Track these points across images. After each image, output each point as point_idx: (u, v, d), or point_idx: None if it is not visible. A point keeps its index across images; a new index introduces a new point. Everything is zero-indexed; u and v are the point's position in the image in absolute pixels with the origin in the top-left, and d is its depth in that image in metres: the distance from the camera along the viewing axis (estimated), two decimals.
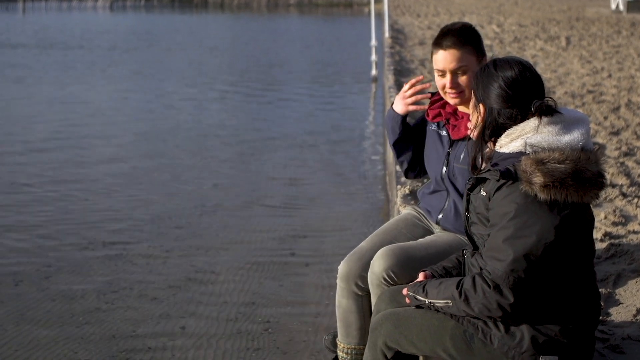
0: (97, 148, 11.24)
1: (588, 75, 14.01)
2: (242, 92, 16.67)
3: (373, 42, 18.07)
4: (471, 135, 3.29)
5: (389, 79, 13.60)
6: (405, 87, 4.16)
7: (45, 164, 10.26)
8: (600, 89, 12.40)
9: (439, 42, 3.89)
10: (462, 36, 3.86)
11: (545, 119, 3.03)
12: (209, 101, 15.40)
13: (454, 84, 3.86)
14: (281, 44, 27.36)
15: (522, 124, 3.06)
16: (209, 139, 11.92)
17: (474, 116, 3.23)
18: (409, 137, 4.26)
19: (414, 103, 4.13)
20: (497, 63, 3.16)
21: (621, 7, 31.83)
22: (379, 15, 23.61)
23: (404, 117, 4.20)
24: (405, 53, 18.06)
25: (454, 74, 3.85)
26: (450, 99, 3.93)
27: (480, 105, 3.16)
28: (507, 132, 3.09)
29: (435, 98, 4.16)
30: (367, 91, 17.20)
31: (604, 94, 11.90)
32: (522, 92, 3.08)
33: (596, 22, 26.47)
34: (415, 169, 4.34)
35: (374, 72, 17.99)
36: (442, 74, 3.89)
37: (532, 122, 3.04)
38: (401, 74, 14.36)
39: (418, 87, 4.11)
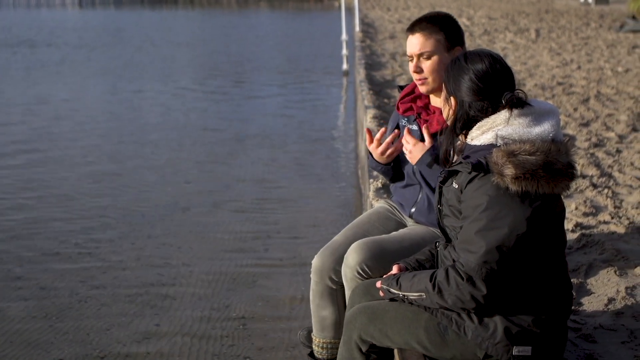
0: (65, 149, 11.09)
1: (558, 67, 14.10)
2: (211, 89, 16.59)
3: (344, 36, 18.09)
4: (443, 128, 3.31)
5: (360, 73, 13.61)
6: (372, 146, 4.11)
7: (13, 166, 10.16)
8: (569, 80, 12.49)
9: (409, 28, 3.97)
10: (431, 22, 3.91)
11: (515, 111, 3.05)
12: (178, 99, 15.31)
13: (417, 68, 3.91)
14: (251, 40, 27.30)
15: (492, 117, 3.08)
16: (179, 138, 11.85)
17: (445, 109, 3.25)
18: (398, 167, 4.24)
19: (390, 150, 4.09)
20: (467, 56, 3.17)
21: None
22: (350, 10, 23.65)
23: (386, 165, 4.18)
24: (376, 47, 18.09)
25: (418, 58, 3.90)
26: (419, 85, 3.97)
27: (452, 98, 3.18)
28: (478, 124, 3.11)
29: (406, 91, 4.17)
30: (338, 85, 17.21)
31: (574, 85, 11.98)
32: (492, 84, 3.09)
33: (565, 15, 26.64)
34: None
35: (345, 66, 18.01)
36: (411, 58, 3.95)
37: (503, 114, 3.06)
38: (372, 67, 14.38)
39: (388, 141, 4.07)
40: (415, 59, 3.92)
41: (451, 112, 3.19)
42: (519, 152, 2.95)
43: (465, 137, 3.18)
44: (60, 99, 15.34)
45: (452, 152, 3.24)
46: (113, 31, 30.77)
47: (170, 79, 17.89)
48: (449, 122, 3.23)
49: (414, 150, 3.93)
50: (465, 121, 3.14)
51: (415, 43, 3.91)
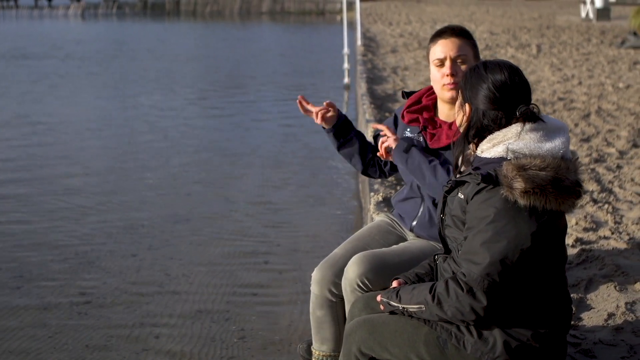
0: (65, 160, 11.10)
1: (559, 82, 14.13)
2: (211, 103, 16.60)
3: (345, 50, 18.11)
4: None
5: (362, 87, 13.64)
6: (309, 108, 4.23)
7: (12, 178, 10.16)
8: (570, 96, 12.51)
9: (439, 34, 3.95)
10: (463, 30, 3.94)
11: (527, 126, 3.06)
12: (178, 112, 15.31)
13: (454, 71, 3.85)
14: (253, 53, 27.34)
15: (504, 130, 3.08)
16: (178, 152, 11.86)
17: (459, 115, 3.25)
18: (350, 141, 4.28)
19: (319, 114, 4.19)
20: (487, 65, 3.17)
21: (591, 15, 32.14)
22: (351, 24, 23.69)
23: (332, 128, 4.23)
24: (378, 61, 18.13)
25: (454, 61, 3.87)
26: (446, 90, 3.90)
27: (467, 104, 3.18)
28: (489, 137, 3.11)
29: (412, 100, 4.14)
30: (339, 99, 17.22)
31: (575, 101, 12.00)
32: (509, 96, 3.10)
33: (566, 30, 26.70)
34: (374, 167, 4.34)
35: (346, 80, 18.03)
36: (441, 63, 3.89)
37: (515, 128, 3.07)
38: (373, 81, 14.41)
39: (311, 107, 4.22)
40: (449, 62, 3.87)
41: (465, 119, 3.19)
42: (530, 166, 2.95)
43: (475, 149, 3.19)
44: (59, 112, 15.34)
45: (461, 160, 3.24)
46: (114, 44, 30.83)
47: (171, 92, 17.89)
48: (461, 130, 3.23)
49: (389, 139, 3.99)
50: (478, 129, 3.14)
51: (452, 46, 3.87)
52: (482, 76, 3.14)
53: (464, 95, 3.20)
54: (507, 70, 3.14)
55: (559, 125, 3.14)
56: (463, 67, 3.86)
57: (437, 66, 3.91)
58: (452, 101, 3.90)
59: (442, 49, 3.89)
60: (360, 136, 4.31)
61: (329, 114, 4.19)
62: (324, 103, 4.19)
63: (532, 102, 3.15)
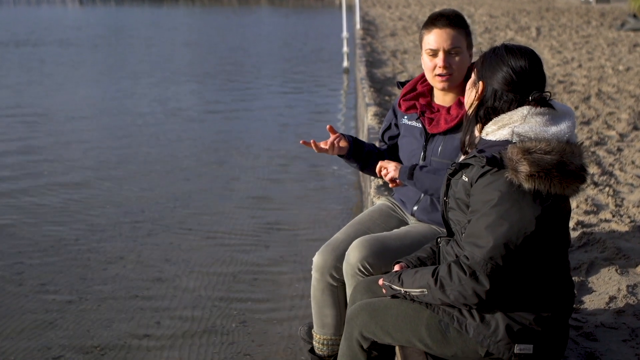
0: (64, 151, 11.08)
1: (559, 65, 14.10)
2: (210, 88, 16.60)
3: (344, 34, 18.08)
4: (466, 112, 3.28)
5: (361, 71, 13.61)
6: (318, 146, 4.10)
7: (10, 163, 10.16)
8: (570, 79, 12.48)
9: (433, 22, 3.87)
10: (457, 19, 3.86)
11: (533, 110, 3.04)
12: (178, 101, 15.29)
13: (447, 63, 3.83)
14: (252, 38, 27.28)
15: (510, 113, 3.07)
16: (178, 138, 11.85)
17: (470, 93, 3.22)
18: (368, 158, 4.22)
19: (332, 146, 4.08)
20: (509, 48, 3.14)
21: None
22: (350, 7, 23.63)
23: (348, 154, 4.16)
24: (377, 44, 18.08)
25: (448, 53, 3.84)
26: (439, 81, 3.89)
27: (481, 82, 3.15)
28: (495, 119, 3.09)
29: (407, 89, 4.13)
30: (339, 83, 17.20)
31: (575, 84, 11.98)
32: (527, 82, 3.07)
33: (566, 13, 26.63)
34: None
35: (345, 63, 17.99)
36: (434, 53, 3.86)
37: (521, 111, 3.05)
38: (373, 65, 14.37)
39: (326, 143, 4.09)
40: (442, 54, 3.84)
41: (476, 97, 3.17)
42: (535, 150, 2.94)
43: (480, 132, 3.17)
44: (57, 100, 15.32)
45: (468, 139, 3.22)
46: (112, 30, 30.74)
47: (170, 79, 17.86)
48: (470, 109, 3.21)
49: (393, 171, 3.95)
50: (488, 109, 3.12)
51: (445, 37, 3.82)
52: (503, 58, 3.12)
53: (479, 74, 3.18)
54: (528, 56, 3.11)
55: (565, 110, 3.12)
56: (457, 58, 3.84)
57: (430, 55, 3.89)
58: (450, 88, 3.90)
59: (436, 39, 3.84)
60: (373, 149, 4.25)
61: (341, 143, 4.12)
62: (327, 127, 4.11)
63: (547, 90, 3.13)
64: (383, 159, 4.16)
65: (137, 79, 17.42)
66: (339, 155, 4.15)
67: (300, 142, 4.10)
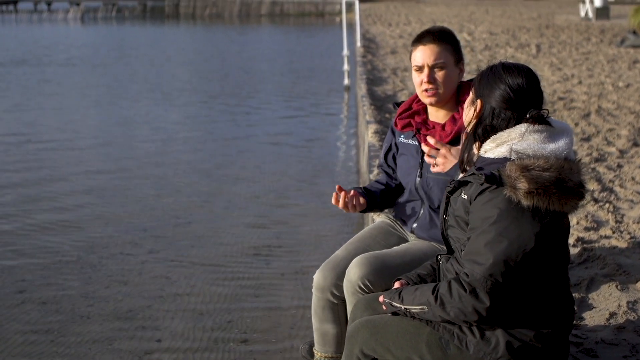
0: (64, 166, 11.10)
1: (559, 82, 14.13)
2: (211, 105, 16.63)
3: (345, 51, 18.13)
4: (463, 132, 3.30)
5: (362, 88, 13.64)
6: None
7: (13, 183, 10.17)
8: (570, 95, 12.51)
9: (419, 39, 3.97)
10: (442, 35, 3.95)
11: (531, 127, 3.06)
12: (178, 123, 15.30)
13: (431, 79, 3.90)
14: (252, 56, 27.35)
15: (508, 130, 3.09)
16: (179, 154, 11.88)
17: (468, 112, 3.25)
18: (383, 199, 4.24)
19: (345, 204, 4.08)
20: (506, 66, 3.17)
21: (590, 14, 32.16)
22: (351, 25, 23.69)
23: (367, 208, 4.18)
24: (377, 62, 18.13)
25: (432, 69, 3.90)
26: (426, 97, 3.95)
27: (479, 101, 3.18)
28: (493, 137, 3.11)
29: (403, 108, 4.18)
30: (339, 100, 17.24)
31: (575, 100, 12.01)
32: (524, 99, 3.10)
33: (566, 30, 26.71)
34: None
35: (346, 81, 18.04)
36: (420, 69, 3.94)
37: (519, 128, 3.07)
38: (373, 82, 14.41)
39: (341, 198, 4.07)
40: (427, 70, 3.91)
41: (474, 115, 3.20)
42: (533, 167, 2.95)
43: (479, 149, 3.19)
44: (56, 117, 15.35)
45: (467, 156, 3.24)
46: (113, 49, 30.80)
47: (172, 98, 17.88)
48: (469, 127, 3.23)
49: (446, 160, 3.82)
50: (486, 127, 3.14)
51: (428, 53, 3.91)
52: (500, 76, 3.14)
53: (477, 92, 3.20)
54: (525, 74, 3.14)
55: (563, 127, 3.15)
56: (440, 73, 3.91)
57: (417, 72, 3.98)
58: (433, 105, 3.98)
59: (421, 55, 3.94)
60: (383, 188, 4.27)
61: (361, 200, 4.15)
62: (336, 188, 4.10)
63: (545, 107, 3.15)
64: (392, 194, 4.23)
65: (135, 100, 17.27)
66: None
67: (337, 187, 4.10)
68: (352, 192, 4.11)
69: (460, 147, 3.40)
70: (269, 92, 18.39)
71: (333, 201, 4.08)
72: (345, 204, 4.08)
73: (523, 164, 2.97)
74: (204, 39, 37.39)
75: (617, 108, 11.19)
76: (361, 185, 4.31)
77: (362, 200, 4.14)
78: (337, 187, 4.07)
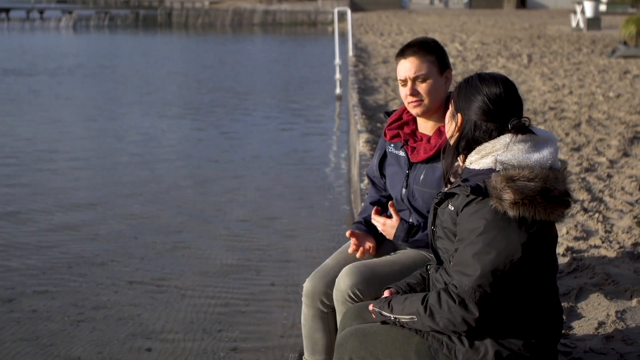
0: (56, 177, 11.08)
1: (550, 92, 14.18)
2: (204, 116, 16.61)
3: (337, 60, 18.14)
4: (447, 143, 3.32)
5: (353, 97, 13.66)
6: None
7: (3, 190, 10.16)
8: (561, 105, 12.55)
9: (401, 52, 4.00)
10: (423, 47, 3.96)
11: (516, 137, 3.07)
12: (171, 134, 15.27)
13: (414, 91, 3.93)
14: (245, 65, 27.36)
15: (492, 141, 3.10)
16: (170, 164, 11.87)
17: (450, 126, 3.26)
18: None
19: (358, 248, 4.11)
20: (482, 77, 3.19)
21: (581, 25, 32.27)
22: (343, 34, 23.72)
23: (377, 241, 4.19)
24: (369, 71, 18.17)
25: (414, 81, 3.92)
26: (412, 107, 3.98)
27: (459, 115, 3.19)
28: (478, 148, 3.13)
29: (393, 118, 4.19)
30: (331, 110, 17.25)
31: (566, 110, 12.04)
32: (503, 109, 3.11)
33: (557, 40, 26.80)
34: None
35: (338, 90, 18.05)
36: (404, 82, 3.97)
37: (503, 139, 3.08)
38: (365, 92, 14.43)
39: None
40: (410, 82, 3.94)
41: (456, 129, 3.21)
42: (518, 177, 2.97)
43: (464, 161, 3.20)
44: (45, 130, 15.33)
45: (451, 170, 3.25)
46: (105, 58, 30.75)
47: (163, 108, 17.83)
48: (452, 140, 3.24)
49: (385, 229, 3.99)
50: (469, 140, 3.16)
51: (410, 67, 3.94)
52: (477, 88, 3.16)
53: (456, 106, 3.21)
54: (502, 83, 3.16)
55: (547, 136, 3.16)
56: (423, 85, 3.93)
57: (402, 85, 4.02)
58: (421, 116, 4.00)
59: (403, 69, 3.98)
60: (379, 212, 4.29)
61: (368, 243, 4.15)
62: (347, 234, 4.12)
63: (526, 115, 3.16)
64: (386, 210, 4.19)
65: (123, 113, 16.95)
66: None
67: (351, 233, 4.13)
68: (358, 235, 4.12)
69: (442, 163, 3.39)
70: (258, 101, 18.39)
71: (350, 251, 4.10)
72: (362, 252, 4.10)
73: (508, 174, 2.98)
74: (196, 48, 37.39)
75: (607, 118, 11.23)
76: (359, 219, 4.27)
77: (370, 242, 4.13)
78: (347, 233, 4.10)
